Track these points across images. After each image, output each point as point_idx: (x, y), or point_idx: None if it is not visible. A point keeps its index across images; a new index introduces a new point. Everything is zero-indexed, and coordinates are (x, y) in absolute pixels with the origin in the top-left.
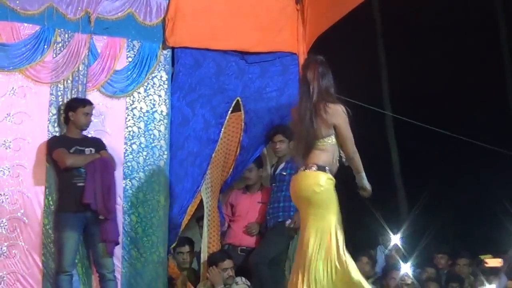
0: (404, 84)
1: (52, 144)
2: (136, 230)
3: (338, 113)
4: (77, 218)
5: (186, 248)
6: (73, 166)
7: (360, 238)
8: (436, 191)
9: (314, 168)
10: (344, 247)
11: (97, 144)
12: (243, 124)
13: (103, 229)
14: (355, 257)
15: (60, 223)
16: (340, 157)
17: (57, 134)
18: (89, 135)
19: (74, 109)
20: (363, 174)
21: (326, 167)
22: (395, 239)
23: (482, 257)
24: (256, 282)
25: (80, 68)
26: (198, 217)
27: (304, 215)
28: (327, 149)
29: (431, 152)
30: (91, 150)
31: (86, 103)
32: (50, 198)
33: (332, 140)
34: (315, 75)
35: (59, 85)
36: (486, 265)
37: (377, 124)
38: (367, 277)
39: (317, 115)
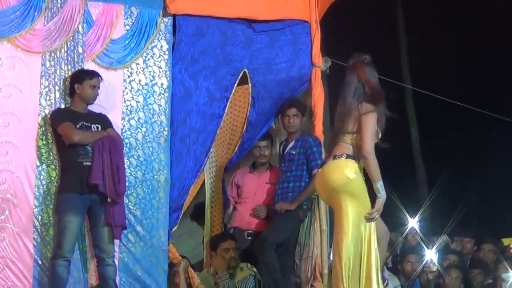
0: (425, 54)
1: (58, 117)
2: (135, 213)
3: (367, 110)
4: (82, 200)
5: None
6: (80, 142)
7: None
8: (458, 170)
9: (343, 156)
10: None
11: (104, 121)
12: (250, 98)
13: (109, 212)
14: None
15: (63, 204)
16: None
17: (51, 108)
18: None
19: (80, 81)
20: (379, 184)
21: (355, 158)
22: (413, 222)
23: (505, 241)
24: (263, 268)
25: (75, 37)
26: (191, 214)
27: (337, 208)
28: (354, 145)
29: (454, 128)
30: (97, 127)
31: (94, 75)
32: (41, 178)
33: (354, 138)
34: (364, 75)
35: (52, 55)
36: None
37: (395, 97)
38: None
39: (351, 113)
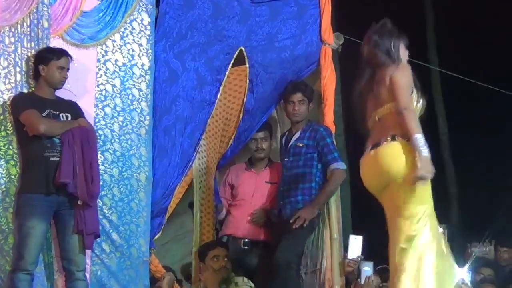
0: (456, 29)
1: (20, 104)
2: (110, 217)
3: (392, 69)
4: (48, 202)
5: None
6: (47, 134)
7: None
8: (494, 167)
9: (400, 137)
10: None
11: (74, 109)
12: (247, 81)
13: (80, 217)
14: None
15: (24, 207)
16: None
17: (12, 93)
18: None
19: (45, 62)
20: (417, 136)
21: (405, 139)
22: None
23: None
24: (280, 283)
25: (39, 8)
26: (190, 202)
27: (389, 204)
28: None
29: (490, 119)
30: (67, 116)
31: (62, 54)
32: None
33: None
34: (368, 48)
35: (12, 30)
36: None
37: (421, 81)
38: None
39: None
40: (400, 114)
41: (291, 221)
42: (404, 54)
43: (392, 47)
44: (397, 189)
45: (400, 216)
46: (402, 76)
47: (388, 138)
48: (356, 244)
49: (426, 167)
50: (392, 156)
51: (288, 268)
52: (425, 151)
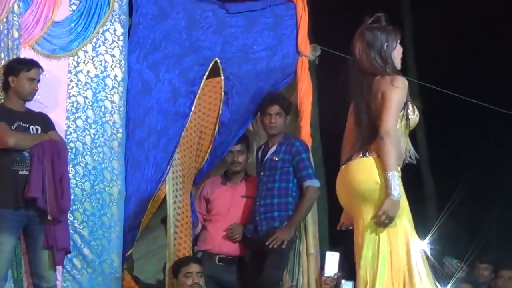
0: (435, 40)
1: None
2: (81, 232)
3: (386, 83)
4: (17, 216)
5: None
6: (17, 147)
7: None
8: (474, 183)
9: (374, 153)
10: (425, 271)
11: (45, 122)
12: (222, 93)
13: (50, 232)
14: None
15: None
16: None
17: None
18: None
19: (15, 73)
20: (389, 174)
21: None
22: (422, 245)
23: None
24: None
25: (9, 18)
26: (163, 217)
27: (359, 220)
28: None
29: (470, 132)
30: (37, 129)
31: (32, 65)
32: None
33: (397, 124)
34: (360, 48)
35: None
36: None
37: None
38: None
39: (370, 93)
40: (380, 139)
41: (267, 243)
42: (398, 53)
43: (385, 47)
44: (362, 207)
45: (371, 227)
46: (396, 95)
47: (361, 153)
48: (333, 261)
49: (390, 211)
50: (361, 172)
51: (277, 286)
52: (394, 193)
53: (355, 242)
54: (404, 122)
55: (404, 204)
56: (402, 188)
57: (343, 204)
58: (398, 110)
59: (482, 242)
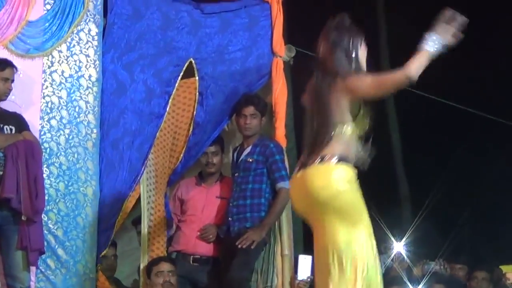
0: (410, 42)
1: None
2: (55, 233)
3: (349, 80)
4: None
5: (111, 250)
6: None
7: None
8: (448, 184)
9: (334, 159)
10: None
11: (18, 122)
12: (197, 94)
13: (24, 233)
14: None
15: None
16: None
17: None
18: None
19: None
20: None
21: (347, 158)
22: (398, 246)
23: (504, 268)
24: None
25: None
26: (134, 219)
27: (318, 228)
28: (345, 140)
29: (444, 134)
30: (11, 129)
31: (6, 65)
32: None
33: (348, 129)
34: (325, 48)
35: None
36: (509, 282)
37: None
38: None
39: (331, 95)
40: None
41: (237, 243)
42: (363, 54)
43: (351, 47)
44: (321, 215)
45: (329, 234)
46: (359, 81)
47: (319, 159)
48: (305, 264)
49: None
50: (320, 178)
51: (243, 286)
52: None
53: (315, 250)
54: (355, 128)
55: (364, 211)
56: (359, 192)
57: (300, 212)
58: (378, 93)
59: (454, 243)
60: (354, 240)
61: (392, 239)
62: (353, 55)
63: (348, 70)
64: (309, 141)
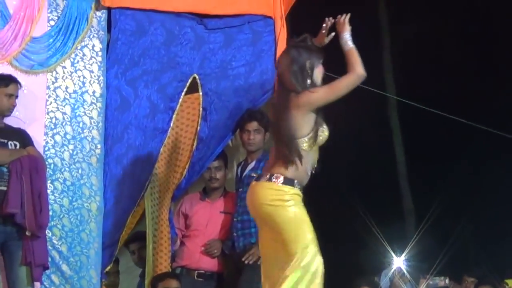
0: (413, 56)
1: None
2: (59, 249)
3: (303, 96)
4: None
5: (114, 266)
6: None
7: (360, 262)
8: (452, 198)
9: (280, 180)
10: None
11: (23, 137)
12: (201, 109)
13: (28, 248)
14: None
15: None
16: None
17: None
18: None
19: None
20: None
21: (295, 180)
22: (399, 261)
23: (509, 282)
24: None
25: None
26: (127, 238)
27: (262, 236)
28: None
29: (448, 148)
30: (15, 145)
31: (10, 81)
32: None
33: (303, 143)
34: (284, 64)
35: None
36: None
37: (377, 110)
38: None
39: (287, 111)
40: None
41: (243, 259)
42: (320, 72)
43: (307, 64)
44: (266, 227)
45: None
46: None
47: (268, 176)
48: None
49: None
50: (262, 194)
51: None
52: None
53: (262, 253)
54: (312, 141)
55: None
56: (304, 209)
57: (252, 216)
58: (334, 96)
59: (458, 257)
60: (294, 250)
61: (392, 253)
62: (309, 73)
63: (302, 86)
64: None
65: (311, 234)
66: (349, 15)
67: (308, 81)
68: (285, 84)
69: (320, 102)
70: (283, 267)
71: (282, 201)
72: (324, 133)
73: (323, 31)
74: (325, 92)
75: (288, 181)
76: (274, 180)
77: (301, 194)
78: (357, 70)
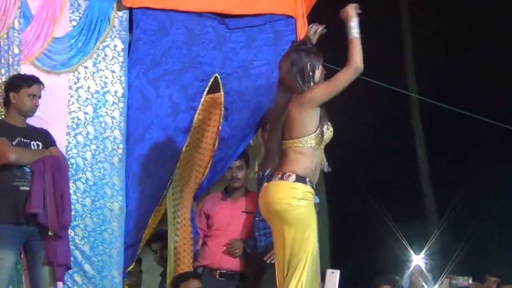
0: (435, 56)
1: None
2: (82, 248)
3: (304, 96)
4: (18, 232)
5: (136, 266)
6: (17, 163)
7: (382, 261)
8: (474, 196)
9: (292, 178)
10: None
11: (45, 138)
12: (222, 109)
13: (51, 248)
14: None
15: None
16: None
17: None
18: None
19: (16, 89)
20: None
21: (307, 178)
22: (418, 259)
23: None
24: None
25: (9, 34)
26: (149, 238)
27: (277, 234)
28: (306, 152)
29: (470, 147)
30: (38, 145)
31: (33, 81)
32: None
33: (311, 140)
34: (285, 67)
35: None
36: None
37: (399, 109)
38: None
39: (290, 111)
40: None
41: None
42: (319, 75)
43: (308, 67)
44: (281, 222)
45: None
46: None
47: (279, 175)
48: (333, 279)
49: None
50: (277, 193)
51: None
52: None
53: (276, 252)
54: (319, 138)
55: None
56: (314, 211)
57: (264, 217)
58: (334, 91)
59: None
60: (302, 248)
61: (411, 252)
62: (310, 76)
63: (304, 88)
64: (273, 154)
65: (315, 237)
66: (354, 5)
67: (311, 84)
68: (287, 86)
69: (322, 97)
70: (288, 267)
71: (296, 199)
72: (329, 130)
73: (310, 34)
74: (325, 87)
75: (300, 179)
76: (286, 178)
77: (313, 192)
78: (354, 63)
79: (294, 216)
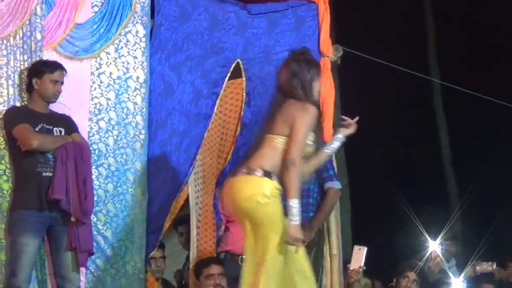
0: (458, 40)
1: (13, 117)
2: (104, 234)
3: (298, 107)
4: (41, 218)
5: (159, 252)
6: (40, 149)
7: (404, 247)
8: (496, 181)
9: (259, 173)
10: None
11: (68, 124)
12: (244, 94)
13: (74, 234)
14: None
15: (17, 224)
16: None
17: (5, 107)
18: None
19: (39, 75)
20: (292, 201)
21: (273, 173)
22: (434, 245)
23: None
24: None
25: (32, 20)
26: (175, 220)
27: (245, 229)
28: (281, 151)
29: (493, 133)
30: (60, 131)
31: (56, 67)
32: None
33: (284, 142)
34: (285, 76)
35: (4, 43)
36: None
37: (421, 95)
38: None
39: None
40: (285, 168)
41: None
42: (316, 89)
43: (308, 78)
44: (245, 218)
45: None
46: (304, 126)
47: (245, 170)
48: (359, 254)
49: (294, 236)
50: (244, 189)
51: None
52: (295, 220)
53: (244, 246)
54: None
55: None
56: (281, 206)
57: (229, 210)
58: (305, 140)
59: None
60: (269, 247)
61: (428, 238)
62: (310, 88)
63: (302, 98)
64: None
65: (278, 238)
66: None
67: (307, 95)
68: (286, 93)
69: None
70: (258, 262)
71: (262, 195)
72: (309, 147)
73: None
74: (295, 140)
75: (267, 174)
76: (252, 173)
77: (280, 188)
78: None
79: (261, 215)
